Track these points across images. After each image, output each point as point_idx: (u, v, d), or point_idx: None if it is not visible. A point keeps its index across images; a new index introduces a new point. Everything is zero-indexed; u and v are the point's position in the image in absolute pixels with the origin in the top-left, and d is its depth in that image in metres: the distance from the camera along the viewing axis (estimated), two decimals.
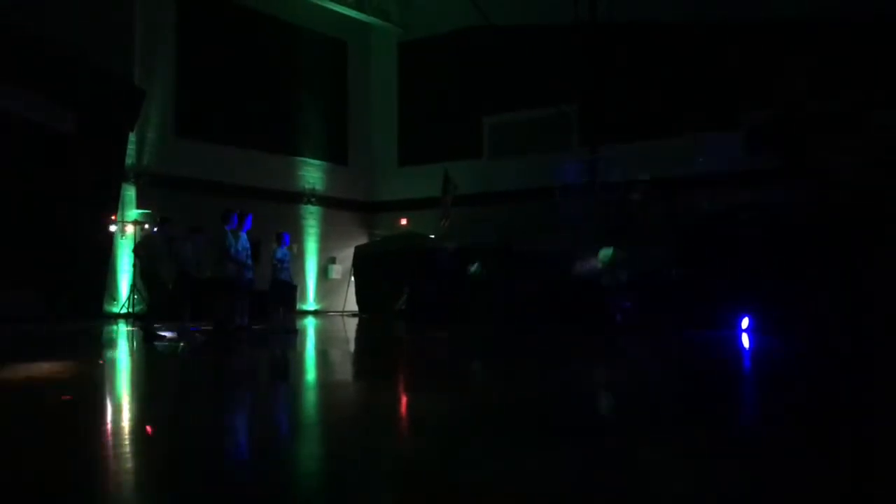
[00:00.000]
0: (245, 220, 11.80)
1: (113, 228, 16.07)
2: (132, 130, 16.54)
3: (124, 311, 15.74)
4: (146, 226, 16.01)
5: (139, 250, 11.50)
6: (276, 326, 12.48)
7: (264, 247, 14.96)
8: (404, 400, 6.18)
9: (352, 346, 11.93)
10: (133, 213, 16.54)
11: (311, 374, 8.19)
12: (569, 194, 17.01)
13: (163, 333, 11.08)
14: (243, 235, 11.79)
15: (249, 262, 11.86)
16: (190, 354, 9.71)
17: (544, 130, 19.04)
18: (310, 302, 20.31)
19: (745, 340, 11.30)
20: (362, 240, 21.14)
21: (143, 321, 11.64)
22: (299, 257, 19.19)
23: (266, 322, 12.82)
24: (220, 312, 11.27)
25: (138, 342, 10.60)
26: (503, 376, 7.69)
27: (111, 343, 11.46)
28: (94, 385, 6.91)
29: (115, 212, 16.05)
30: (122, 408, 5.61)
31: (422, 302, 17.45)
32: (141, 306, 13.96)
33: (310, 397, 6.33)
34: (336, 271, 20.83)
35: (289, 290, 13.83)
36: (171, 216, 12.17)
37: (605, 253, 14.68)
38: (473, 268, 16.32)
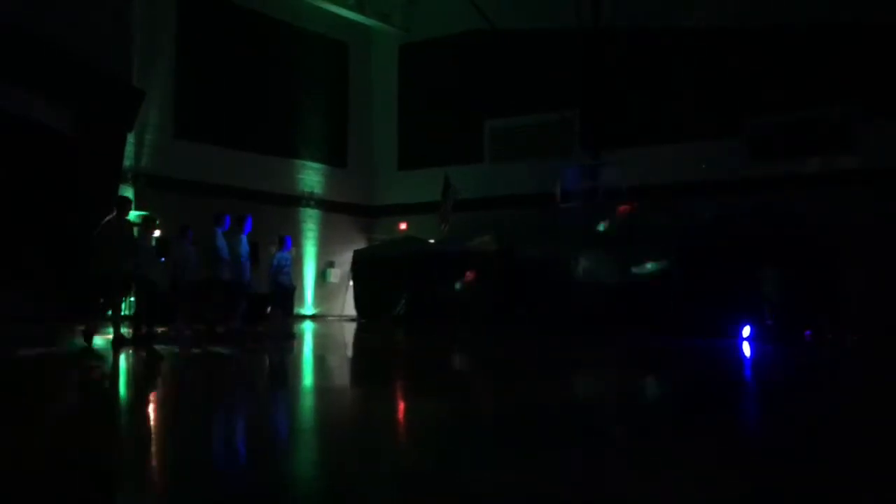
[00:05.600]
0: (245, 222, 11.68)
1: None
2: (130, 131, 16.43)
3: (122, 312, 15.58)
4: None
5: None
6: (273, 330, 12.37)
7: (263, 250, 14.85)
8: (401, 406, 6.06)
9: (349, 351, 11.82)
10: (130, 214, 16.39)
11: (307, 379, 8.07)
12: (570, 200, 16.93)
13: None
14: (243, 238, 11.67)
15: (248, 264, 11.73)
16: (173, 359, 9.57)
17: (546, 135, 18.93)
18: (308, 306, 20.18)
19: (747, 349, 11.19)
20: (361, 243, 21.01)
21: (145, 325, 11.44)
22: (297, 261, 19.06)
23: (264, 325, 12.71)
24: (212, 314, 11.14)
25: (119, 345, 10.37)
26: (503, 384, 7.56)
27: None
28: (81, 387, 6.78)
29: (111, 213, 15.89)
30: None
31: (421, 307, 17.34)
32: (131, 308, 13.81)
33: (306, 403, 6.20)
34: (334, 275, 20.70)
35: (288, 294, 13.73)
36: (155, 216, 12.04)
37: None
38: None
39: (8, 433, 4.38)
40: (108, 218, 10.05)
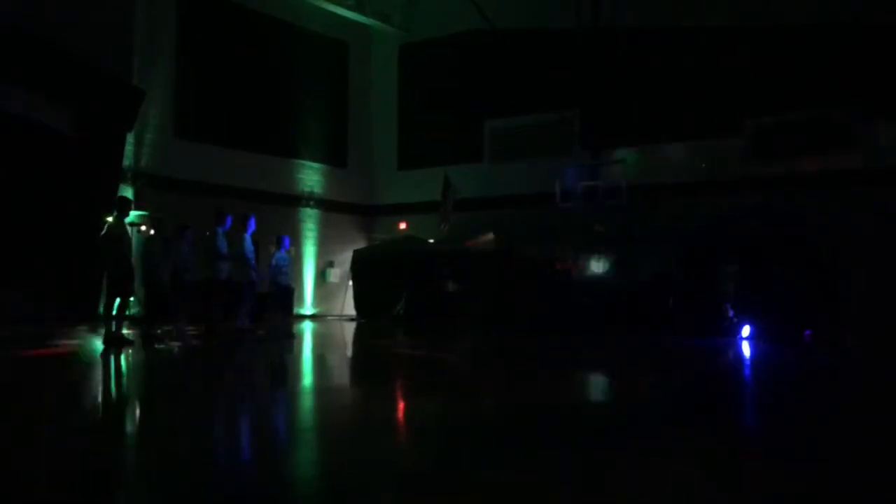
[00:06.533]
0: (248, 221, 11.66)
1: None
2: (130, 131, 16.42)
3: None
4: (143, 227, 15.88)
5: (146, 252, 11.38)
6: (274, 330, 12.37)
7: (263, 249, 14.82)
8: (401, 406, 6.05)
9: (348, 351, 11.81)
10: (130, 215, 16.39)
11: (307, 378, 8.07)
12: (570, 199, 16.91)
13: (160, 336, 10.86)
14: (247, 237, 11.67)
15: (253, 263, 11.74)
16: (181, 357, 9.57)
17: (545, 135, 18.91)
18: (307, 306, 20.17)
19: (746, 349, 11.19)
20: (361, 243, 21.01)
21: (144, 324, 11.45)
22: (297, 260, 19.05)
23: (264, 325, 12.71)
24: (212, 314, 11.13)
25: (138, 345, 10.40)
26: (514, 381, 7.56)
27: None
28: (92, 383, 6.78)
29: (111, 213, 15.89)
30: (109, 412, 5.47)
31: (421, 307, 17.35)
32: (137, 309, 13.80)
33: (305, 403, 6.20)
34: (334, 275, 20.69)
35: (286, 294, 13.72)
36: (163, 217, 12.05)
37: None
38: None
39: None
40: (109, 218, 10.04)
